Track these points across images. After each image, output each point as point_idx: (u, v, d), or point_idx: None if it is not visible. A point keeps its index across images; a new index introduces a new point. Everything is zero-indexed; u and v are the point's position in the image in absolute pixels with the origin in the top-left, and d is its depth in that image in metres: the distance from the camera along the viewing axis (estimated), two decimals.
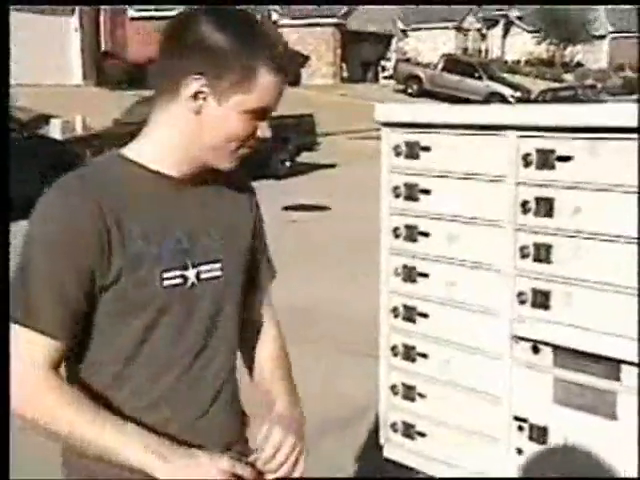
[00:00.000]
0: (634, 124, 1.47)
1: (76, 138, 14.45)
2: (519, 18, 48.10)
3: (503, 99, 28.85)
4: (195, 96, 1.27)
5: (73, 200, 1.21)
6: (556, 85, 35.09)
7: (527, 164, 1.64)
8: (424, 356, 1.89)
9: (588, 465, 1.65)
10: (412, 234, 1.87)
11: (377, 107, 1.89)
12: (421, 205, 1.85)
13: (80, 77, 24.71)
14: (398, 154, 1.87)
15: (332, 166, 15.88)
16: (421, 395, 1.91)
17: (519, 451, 1.76)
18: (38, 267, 1.22)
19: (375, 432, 3.34)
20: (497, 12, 46.66)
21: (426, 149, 1.82)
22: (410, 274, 1.89)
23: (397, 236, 1.90)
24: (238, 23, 1.30)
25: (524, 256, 1.67)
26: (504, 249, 1.70)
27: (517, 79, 35.02)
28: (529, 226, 1.66)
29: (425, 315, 1.88)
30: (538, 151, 1.62)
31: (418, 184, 1.84)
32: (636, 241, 1.51)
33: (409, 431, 1.97)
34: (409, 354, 1.92)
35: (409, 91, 31.96)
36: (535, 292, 1.67)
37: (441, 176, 1.80)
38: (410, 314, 1.91)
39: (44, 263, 1.21)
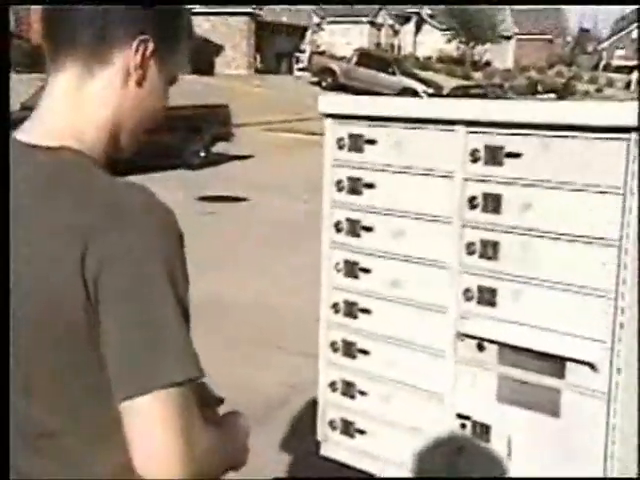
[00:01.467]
0: (586, 122, 1.47)
1: None
2: (431, 16, 49.00)
3: (415, 94, 29.32)
4: (141, 62, 1.11)
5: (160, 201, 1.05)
6: (466, 82, 35.94)
7: (475, 160, 1.62)
8: (365, 353, 1.86)
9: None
10: (355, 228, 1.83)
11: (320, 98, 1.84)
12: (365, 199, 1.81)
13: None
14: (341, 147, 1.82)
15: (248, 157, 15.75)
16: (362, 392, 1.87)
17: (460, 449, 1.74)
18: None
19: (291, 427, 3.31)
20: (409, 9, 47.37)
21: (371, 142, 1.78)
22: (352, 269, 1.85)
23: (339, 230, 1.86)
24: None
25: (470, 253, 1.66)
26: (450, 245, 1.68)
27: (429, 75, 35.67)
28: (476, 222, 1.65)
29: (367, 311, 1.84)
30: (487, 147, 1.60)
31: (362, 178, 1.80)
32: (583, 239, 1.52)
33: (348, 429, 1.93)
34: (350, 350, 1.89)
35: (323, 84, 32.06)
36: (481, 289, 1.66)
37: (386, 170, 1.77)
38: (351, 310, 1.87)
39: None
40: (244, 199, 11.33)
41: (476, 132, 1.61)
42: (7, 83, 1.48)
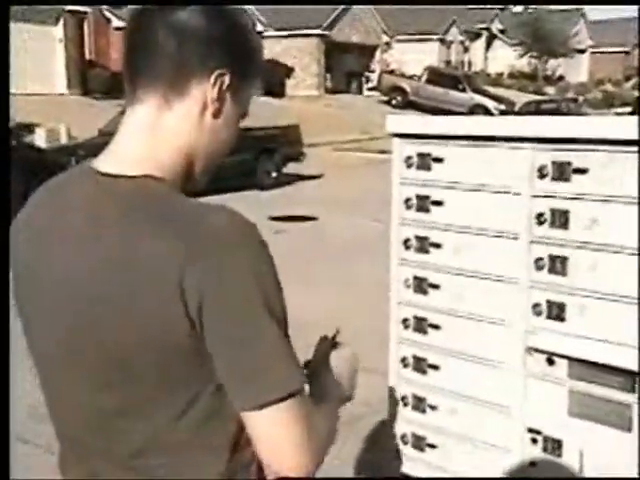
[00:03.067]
0: None
1: (60, 147, 14.38)
2: (501, 31, 48.53)
3: (487, 111, 29.03)
4: (218, 95, 1.14)
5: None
6: (539, 98, 35.39)
7: (542, 176, 1.64)
8: (435, 368, 1.89)
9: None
10: (423, 245, 1.87)
11: (389, 118, 1.89)
12: (433, 216, 1.85)
13: (64, 86, 24.63)
14: (409, 165, 1.86)
15: (318, 177, 15.90)
16: (432, 407, 1.90)
17: (532, 464, 1.75)
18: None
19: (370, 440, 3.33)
20: (480, 25, 47.02)
21: (438, 160, 1.82)
22: (421, 285, 1.88)
23: (408, 247, 1.90)
24: (238, 15, 1.20)
25: (539, 268, 1.67)
26: (519, 261, 1.70)
27: (500, 92, 35.30)
28: (544, 238, 1.66)
29: (437, 327, 1.88)
30: (554, 163, 1.62)
31: (430, 196, 1.84)
32: None
33: (419, 443, 1.96)
34: (420, 366, 1.92)
35: (393, 102, 32.11)
36: (550, 304, 1.67)
37: (454, 188, 1.80)
38: (421, 325, 1.90)
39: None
40: (314, 218, 11.46)
41: (543, 149, 1.63)
42: (7, 82, 1.52)
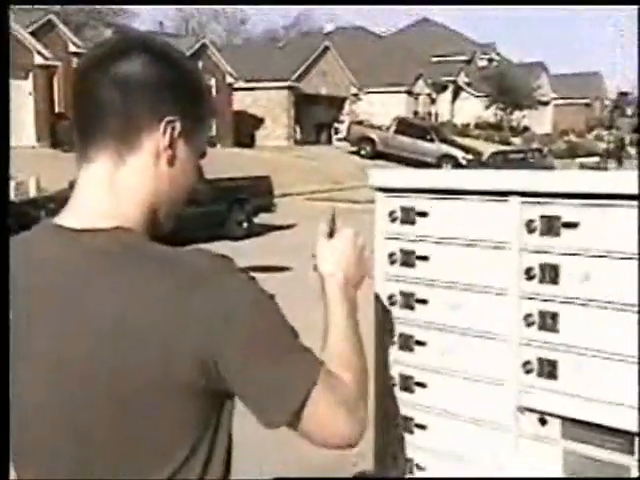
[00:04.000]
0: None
1: (30, 200, 14.24)
2: (468, 84, 49.57)
3: (455, 161, 29.43)
4: (170, 143, 1.15)
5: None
6: (506, 148, 36.05)
7: (531, 230, 1.61)
8: (422, 427, 1.82)
9: None
10: (409, 301, 1.82)
11: (371, 172, 1.86)
12: (418, 272, 1.80)
13: (34, 139, 24.54)
14: (393, 220, 1.82)
15: (290, 227, 15.89)
16: (420, 467, 1.82)
17: None
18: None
19: None
20: (446, 78, 48.02)
21: (423, 214, 1.78)
22: (407, 342, 1.83)
23: (392, 303, 1.84)
24: (182, 58, 1.21)
25: (529, 324, 1.63)
26: (508, 317, 1.66)
27: (467, 142, 35.91)
28: (534, 293, 1.62)
29: (423, 385, 1.81)
30: (543, 217, 1.59)
31: (415, 250, 1.80)
32: None
33: None
34: (406, 426, 1.85)
35: (362, 153, 32.46)
36: (541, 361, 1.62)
37: (439, 242, 1.76)
38: (407, 384, 1.84)
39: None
40: (288, 268, 11.38)
41: (531, 202, 1.60)
42: (7, 83, 1.52)
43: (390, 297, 1.85)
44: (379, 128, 33.43)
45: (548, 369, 1.61)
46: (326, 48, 38.42)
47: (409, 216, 1.80)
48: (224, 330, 1.05)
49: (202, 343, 1.05)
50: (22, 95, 24.48)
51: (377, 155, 31.72)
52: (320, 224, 1.47)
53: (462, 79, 49.47)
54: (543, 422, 1.64)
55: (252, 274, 1.15)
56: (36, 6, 21.21)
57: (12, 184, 16.49)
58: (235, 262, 1.15)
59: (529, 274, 1.62)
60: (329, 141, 38.81)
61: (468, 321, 1.72)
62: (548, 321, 1.60)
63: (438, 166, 30.04)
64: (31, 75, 24.99)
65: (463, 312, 1.73)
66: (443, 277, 1.76)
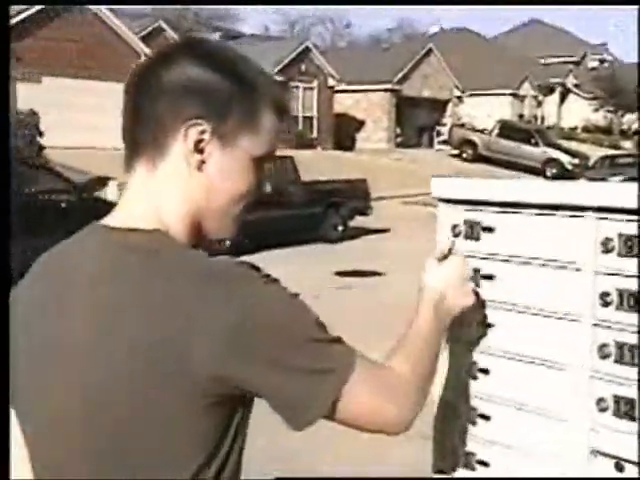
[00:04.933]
0: None
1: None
2: (576, 86, 47.98)
3: (561, 165, 28.48)
4: (196, 146, 1.11)
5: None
6: (615, 152, 34.63)
7: (607, 250, 1.42)
8: (485, 464, 1.65)
9: None
10: None
11: (434, 181, 1.70)
12: (483, 292, 1.64)
13: None
14: (457, 234, 1.67)
15: (385, 231, 15.73)
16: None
17: None
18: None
19: None
20: (554, 79, 46.63)
21: (488, 230, 1.62)
22: (470, 370, 1.67)
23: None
24: (227, 60, 1.15)
25: (604, 356, 1.44)
26: (580, 347, 1.48)
27: (574, 146, 34.74)
28: (610, 321, 1.44)
29: (486, 417, 1.65)
30: (621, 236, 1.40)
31: (479, 269, 1.63)
32: None
33: None
34: (468, 461, 1.69)
35: (464, 156, 31.91)
36: (617, 399, 1.43)
37: (506, 261, 1.59)
38: (471, 416, 1.68)
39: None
40: (380, 273, 11.25)
41: (608, 219, 1.42)
42: (7, 83, 1.54)
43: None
44: (482, 131, 32.78)
45: (625, 408, 1.42)
46: (429, 50, 37.99)
47: (473, 231, 1.64)
48: (242, 339, 1.02)
49: (219, 353, 1.01)
50: None
51: (479, 158, 31.11)
52: (438, 245, 1.53)
53: (571, 81, 47.89)
54: (620, 468, 1.45)
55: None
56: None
57: (115, 184, 17.03)
58: (256, 269, 1.10)
59: (604, 300, 1.43)
60: (431, 144, 38.35)
61: (536, 349, 1.55)
62: (626, 353, 1.41)
63: (543, 171, 29.17)
64: None
65: (531, 338, 1.56)
66: (509, 299, 1.59)
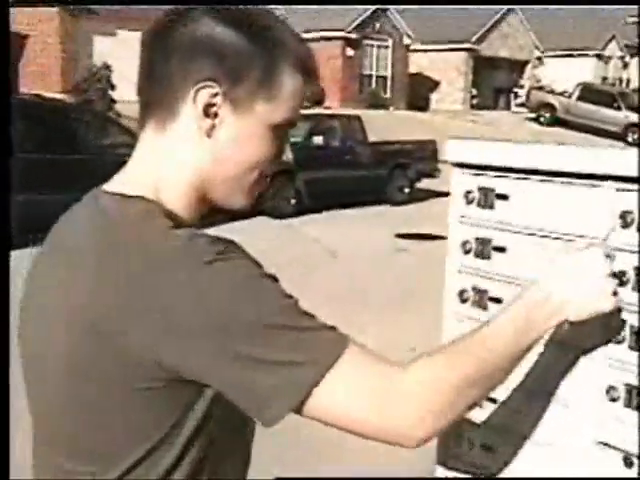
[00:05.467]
0: None
1: None
2: None
3: None
4: (206, 110, 1.03)
5: None
6: None
7: (627, 224, 1.28)
8: (493, 401, 1.55)
9: None
10: (482, 300, 1.54)
11: (449, 143, 1.58)
12: (494, 265, 1.52)
13: None
14: (470, 201, 1.55)
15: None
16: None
17: None
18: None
19: None
20: None
21: (503, 197, 1.49)
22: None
23: (464, 300, 1.57)
24: (248, 17, 1.06)
25: (617, 342, 1.31)
26: (592, 331, 1.35)
27: None
28: (626, 303, 1.30)
29: (493, 400, 1.54)
30: None
31: (492, 239, 1.51)
32: None
33: None
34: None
35: (541, 119, 30.96)
36: (630, 389, 1.30)
37: (519, 232, 1.47)
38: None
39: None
40: (442, 237, 11.08)
41: (627, 190, 1.27)
42: (7, 83, 1.52)
43: (461, 293, 1.58)
44: (561, 94, 31.68)
45: (638, 400, 1.29)
46: (509, 10, 36.78)
47: (487, 199, 1.51)
48: (178, 322, 0.92)
49: (151, 336, 0.94)
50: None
51: (557, 122, 30.15)
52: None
53: None
54: (629, 463, 1.32)
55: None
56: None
57: None
58: (233, 247, 0.99)
59: (622, 279, 1.29)
60: (508, 106, 37.35)
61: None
62: None
63: (624, 136, 28.09)
64: None
65: None
66: (521, 273, 1.46)
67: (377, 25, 31.85)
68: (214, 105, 1.03)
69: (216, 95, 1.02)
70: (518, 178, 1.46)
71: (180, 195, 1.07)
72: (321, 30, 28.48)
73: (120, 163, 1.17)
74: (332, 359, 0.94)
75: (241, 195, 1.10)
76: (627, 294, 1.28)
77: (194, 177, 1.07)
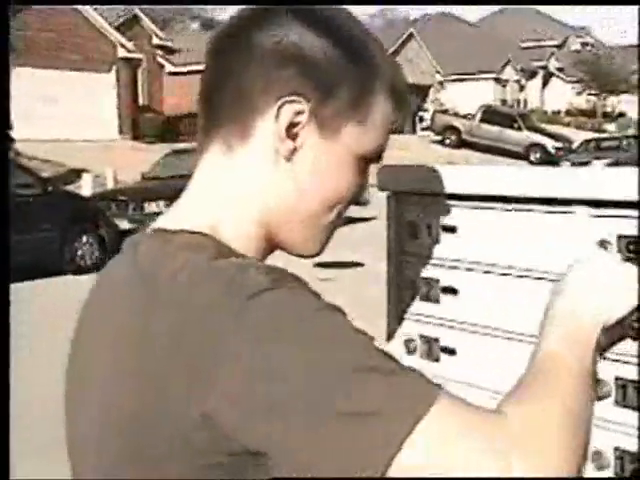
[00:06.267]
0: None
1: (101, 193, 14.23)
2: (559, 69, 47.86)
3: (544, 150, 28.28)
4: (288, 130, 0.86)
5: None
6: (599, 135, 34.51)
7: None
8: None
9: None
10: (431, 350, 1.32)
11: (380, 170, 1.36)
12: (444, 310, 1.29)
13: (116, 131, 24.84)
14: (413, 235, 1.33)
15: (370, 219, 15.40)
16: None
17: None
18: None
19: None
20: (536, 63, 46.51)
21: (449, 230, 1.27)
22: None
23: (410, 351, 1.34)
24: (340, 27, 0.89)
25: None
26: None
27: (557, 129, 34.58)
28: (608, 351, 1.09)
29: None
30: (621, 238, 1.06)
31: (439, 280, 1.29)
32: None
33: None
34: None
35: (447, 142, 31.67)
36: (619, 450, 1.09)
37: (472, 270, 1.25)
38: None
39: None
40: (361, 264, 10.94)
41: (603, 216, 1.07)
42: (7, 82, 1.43)
43: (407, 343, 1.34)
44: (464, 117, 32.49)
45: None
46: (410, 35, 37.62)
47: (431, 232, 1.29)
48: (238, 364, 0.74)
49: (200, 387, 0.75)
50: (104, 88, 24.76)
51: (462, 144, 30.85)
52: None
53: (553, 64, 47.66)
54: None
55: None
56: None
57: (90, 177, 16.62)
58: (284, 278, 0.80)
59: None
60: (413, 130, 38.02)
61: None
62: (630, 394, 1.07)
63: (527, 156, 28.96)
64: (114, 68, 25.23)
65: (499, 367, 1.21)
66: (476, 319, 1.24)
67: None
68: (297, 125, 0.86)
69: (301, 113, 0.86)
70: (466, 206, 1.24)
71: (241, 232, 0.88)
72: None
73: (24, 203, 0.89)
74: (427, 403, 0.74)
75: (315, 239, 0.94)
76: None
77: (262, 210, 0.89)
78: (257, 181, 0.89)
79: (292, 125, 0.86)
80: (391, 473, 0.71)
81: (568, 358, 0.85)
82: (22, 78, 21.49)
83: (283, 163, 0.88)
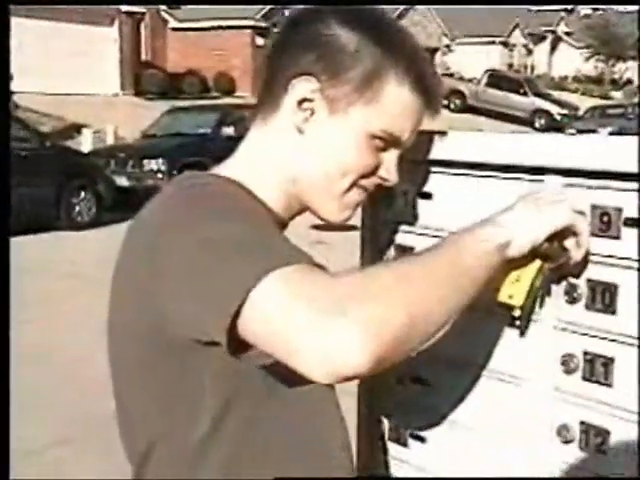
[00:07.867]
0: None
1: (100, 150, 14.13)
2: (567, 34, 47.26)
3: (549, 116, 28.05)
4: (300, 103, 0.99)
5: None
6: (605, 102, 34.19)
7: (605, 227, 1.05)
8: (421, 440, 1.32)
9: None
10: None
11: None
12: None
13: (118, 87, 24.58)
14: (389, 204, 1.30)
15: None
16: None
17: None
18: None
19: None
20: (545, 28, 45.91)
21: (425, 196, 1.25)
22: None
23: None
24: (372, 22, 1.01)
25: (569, 371, 1.09)
26: (539, 354, 1.12)
27: (564, 96, 34.25)
28: (579, 325, 1.08)
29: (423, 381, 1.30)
30: (595, 208, 1.03)
31: (414, 247, 1.27)
32: None
33: None
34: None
35: (451, 106, 31.35)
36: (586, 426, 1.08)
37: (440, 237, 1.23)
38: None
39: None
40: (355, 227, 10.94)
41: (574, 185, 1.05)
42: (7, 82, 1.55)
43: None
44: (470, 81, 32.15)
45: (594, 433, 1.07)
46: None
47: (407, 199, 1.27)
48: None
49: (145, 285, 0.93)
50: (106, 42, 24.44)
51: (467, 109, 30.58)
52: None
53: (562, 29, 47.06)
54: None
55: None
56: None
57: (89, 133, 16.50)
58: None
59: (570, 296, 1.07)
60: None
61: (481, 358, 1.19)
62: (599, 368, 1.05)
63: (531, 121, 28.73)
64: (116, 22, 24.88)
65: (474, 343, 1.20)
66: None
67: (286, 13, 31.53)
68: (310, 100, 0.99)
69: (312, 90, 0.99)
70: (443, 172, 1.22)
71: (271, 191, 1.02)
72: (230, 19, 27.94)
73: (20, 157, 0.91)
74: (262, 271, 0.83)
75: (333, 204, 1.03)
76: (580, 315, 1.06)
77: (285, 174, 1.02)
78: (278, 148, 1.02)
79: (305, 100, 0.98)
80: (240, 326, 0.81)
81: (459, 242, 0.91)
82: (23, 30, 21.26)
83: (298, 135, 1.00)
